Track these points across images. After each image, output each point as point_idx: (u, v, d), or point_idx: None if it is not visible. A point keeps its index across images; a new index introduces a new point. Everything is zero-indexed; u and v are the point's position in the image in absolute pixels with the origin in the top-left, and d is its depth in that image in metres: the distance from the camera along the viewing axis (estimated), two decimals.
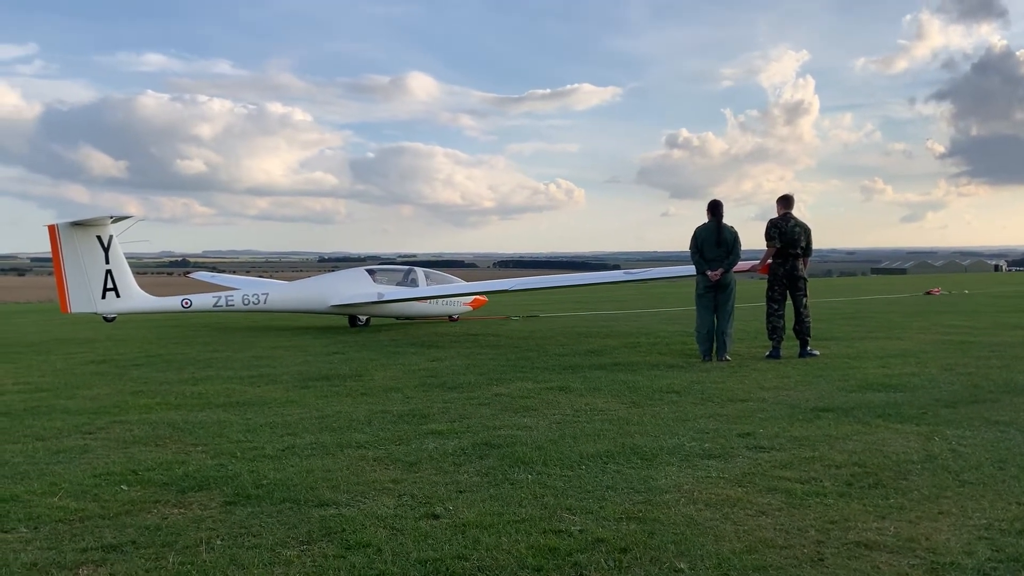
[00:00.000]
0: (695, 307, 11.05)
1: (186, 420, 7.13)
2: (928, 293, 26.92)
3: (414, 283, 16.98)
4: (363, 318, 17.11)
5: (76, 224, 14.21)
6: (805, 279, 11.04)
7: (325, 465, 5.50)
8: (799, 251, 10.89)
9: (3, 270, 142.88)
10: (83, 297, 14.29)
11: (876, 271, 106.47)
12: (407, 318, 17.44)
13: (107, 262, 14.33)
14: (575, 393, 8.21)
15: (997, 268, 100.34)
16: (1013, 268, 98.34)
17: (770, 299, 10.96)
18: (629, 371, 9.64)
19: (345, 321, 17.23)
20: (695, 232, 10.94)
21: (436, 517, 4.39)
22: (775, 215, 11.00)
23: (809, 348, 10.76)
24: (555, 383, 8.80)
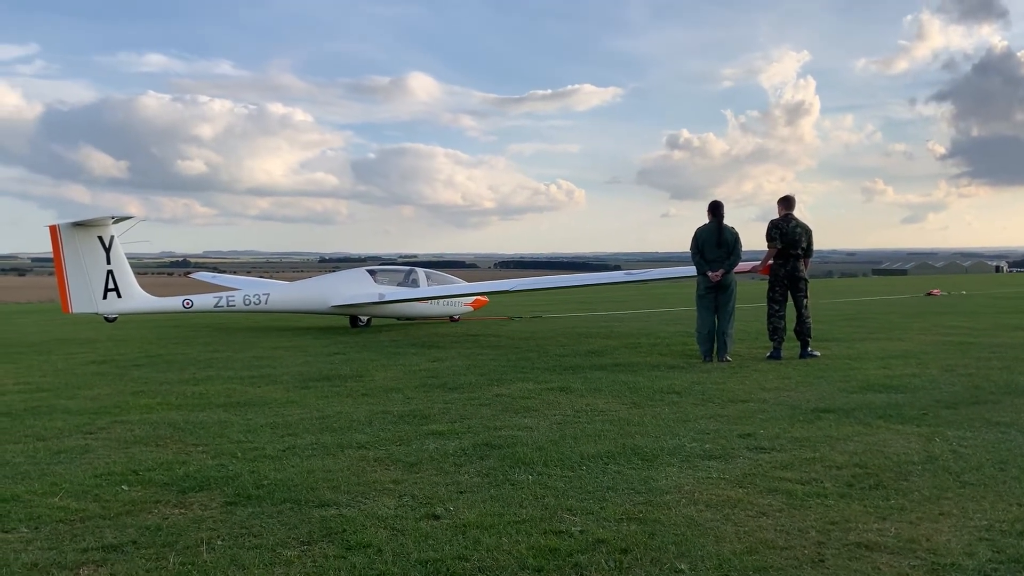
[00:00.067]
0: (696, 308, 11.05)
1: (187, 420, 7.13)
2: (928, 294, 26.99)
3: (415, 283, 16.98)
4: (364, 318, 17.12)
5: (77, 224, 14.22)
6: (806, 280, 11.04)
7: (326, 465, 5.50)
8: (800, 252, 10.89)
9: (4, 270, 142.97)
10: (84, 297, 14.30)
11: (877, 272, 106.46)
12: (408, 319, 17.44)
13: (108, 262, 14.34)
14: (576, 394, 8.21)
15: (998, 269, 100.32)
16: (1014, 269, 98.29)
17: (771, 300, 10.96)
18: (630, 372, 9.64)
19: (346, 322, 17.24)
20: (696, 233, 10.94)
21: (437, 518, 4.39)
22: (776, 216, 11.00)
23: (810, 349, 10.76)
24: (556, 384, 8.80)
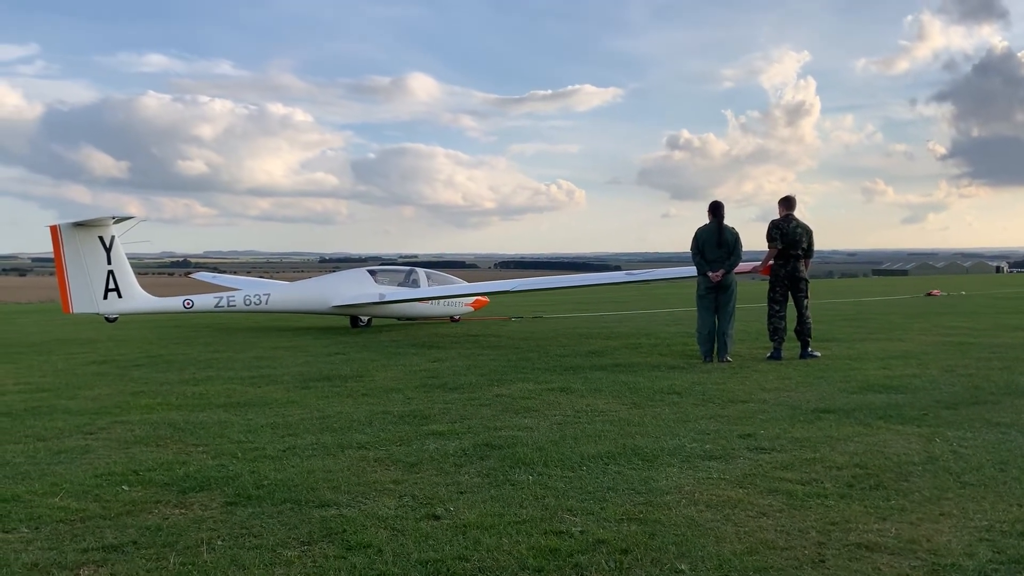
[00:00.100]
0: (696, 308, 11.05)
1: (187, 420, 7.13)
2: (928, 295, 27.10)
3: (416, 284, 16.99)
4: (365, 319, 17.12)
5: (78, 225, 14.24)
6: (807, 280, 11.04)
7: (326, 466, 5.50)
8: (801, 252, 10.89)
9: (4, 270, 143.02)
10: (85, 297, 14.30)
11: (877, 272, 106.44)
12: (409, 319, 17.45)
13: (109, 263, 14.35)
14: (576, 394, 8.21)
15: (999, 270, 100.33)
16: (1014, 270, 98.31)
17: (771, 300, 10.96)
18: (630, 372, 9.64)
19: (346, 322, 17.24)
20: (696, 233, 10.94)
21: (437, 518, 4.40)
22: (776, 216, 11.00)
23: (810, 349, 10.76)
24: (556, 384, 8.80)
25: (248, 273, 61.77)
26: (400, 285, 16.94)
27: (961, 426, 6.39)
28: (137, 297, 14.81)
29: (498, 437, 6.24)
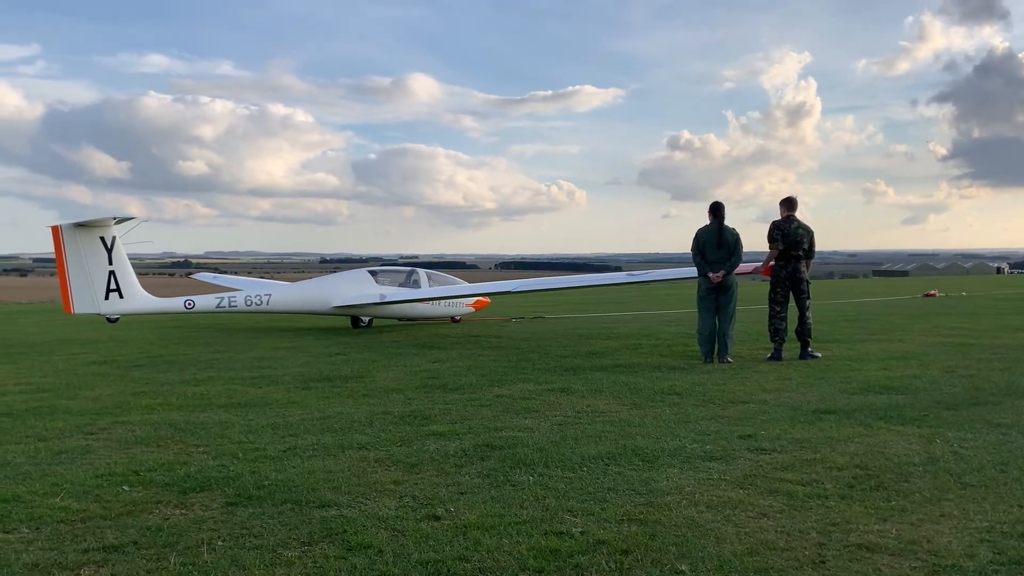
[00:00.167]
0: (696, 309, 11.05)
1: (188, 421, 7.14)
2: (927, 295, 27.28)
3: (416, 284, 16.99)
4: (365, 319, 17.13)
5: (80, 225, 14.25)
6: (808, 281, 11.04)
7: (327, 466, 5.50)
8: (802, 253, 10.90)
9: (5, 270, 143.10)
10: (86, 298, 14.32)
11: (878, 273, 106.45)
12: (410, 319, 17.45)
13: (110, 263, 14.37)
14: (576, 395, 8.21)
15: (999, 271, 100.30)
16: (1015, 270, 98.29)
17: (772, 301, 10.96)
18: (631, 373, 9.64)
19: (347, 322, 17.25)
20: (697, 234, 10.94)
21: (437, 518, 4.40)
22: (778, 217, 11.01)
23: (810, 350, 10.76)
24: (556, 384, 8.80)
25: (249, 274, 61.83)
26: (401, 286, 16.94)
27: (962, 427, 6.39)
28: (138, 297, 14.82)
29: (499, 438, 6.24)
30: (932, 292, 28.15)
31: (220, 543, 4.09)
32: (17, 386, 9.50)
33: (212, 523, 4.39)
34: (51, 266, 19.42)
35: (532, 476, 5.18)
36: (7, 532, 4.30)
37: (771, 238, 10.89)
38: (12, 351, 13.52)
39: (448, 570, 3.72)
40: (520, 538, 4.08)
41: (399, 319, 17.43)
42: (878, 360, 10.34)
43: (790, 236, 10.82)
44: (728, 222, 10.94)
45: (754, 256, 11.74)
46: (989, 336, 13.24)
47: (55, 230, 14.11)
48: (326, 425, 6.89)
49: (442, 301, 17.08)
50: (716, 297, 10.79)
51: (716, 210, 10.93)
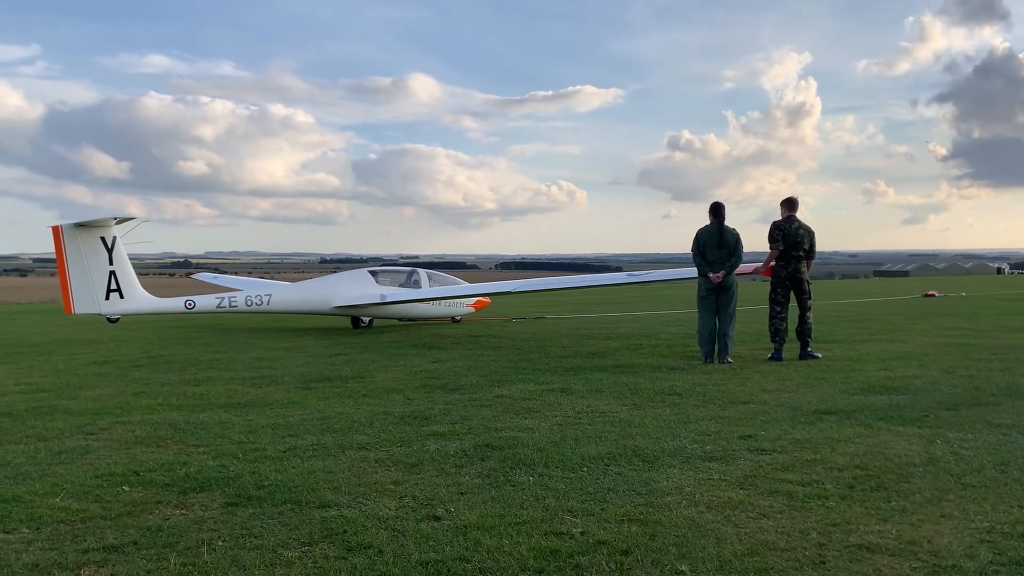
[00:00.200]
0: (697, 309, 11.05)
1: (188, 421, 7.14)
2: (926, 295, 27.35)
3: (417, 284, 16.99)
4: (366, 319, 17.13)
5: (80, 225, 14.26)
6: (808, 282, 11.04)
7: (327, 466, 5.50)
8: (802, 253, 10.90)
9: (6, 271, 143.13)
10: (87, 298, 14.32)
11: (878, 273, 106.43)
12: (410, 319, 17.45)
13: (111, 263, 14.37)
14: (577, 395, 8.21)
15: (999, 271, 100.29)
16: (1015, 271, 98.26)
17: (773, 301, 10.96)
18: (631, 373, 9.64)
19: (347, 322, 17.25)
20: (697, 234, 10.94)
21: (437, 519, 4.40)
22: (778, 217, 11.01)
23: (810, 350, 10.76)
24: (557, 385, 8.80)
25: (249, 274, 61.82)
26: (401, 286, 16.94)
27: (962, 427, 6.39)
28: (139, 298, 14.82)
29: (499, 438, 6.24)
30: (932, 292, 28.24)
31: (220, 543, 4.09)
32: (17, 386, 9.50)
33: (212, 523, 4.39)
34: (51, 266, 19.42)
35: (532, 476, 5.17)
36: (7, 532, 4.31)
37: (772, 238, 10.89)
38: (12, 351, 13.53)
39: (448, 570, 3.72)
40: (520, 538, 4.08)
41: (400, 319, 17.43)
42: (878, 360, 10.34)
43: (791, 236, 10.82)
44: (728, 222, 10.94)
45: (755, 256, 11.73)
46: (989, 336, 13.24)
47: (55, 230, 14.11)
48: (326, 425, 6.88)
49: (442, 301, 17.09)
50: (716, 297, 10.79)
51: (716, 210, 10.93)
